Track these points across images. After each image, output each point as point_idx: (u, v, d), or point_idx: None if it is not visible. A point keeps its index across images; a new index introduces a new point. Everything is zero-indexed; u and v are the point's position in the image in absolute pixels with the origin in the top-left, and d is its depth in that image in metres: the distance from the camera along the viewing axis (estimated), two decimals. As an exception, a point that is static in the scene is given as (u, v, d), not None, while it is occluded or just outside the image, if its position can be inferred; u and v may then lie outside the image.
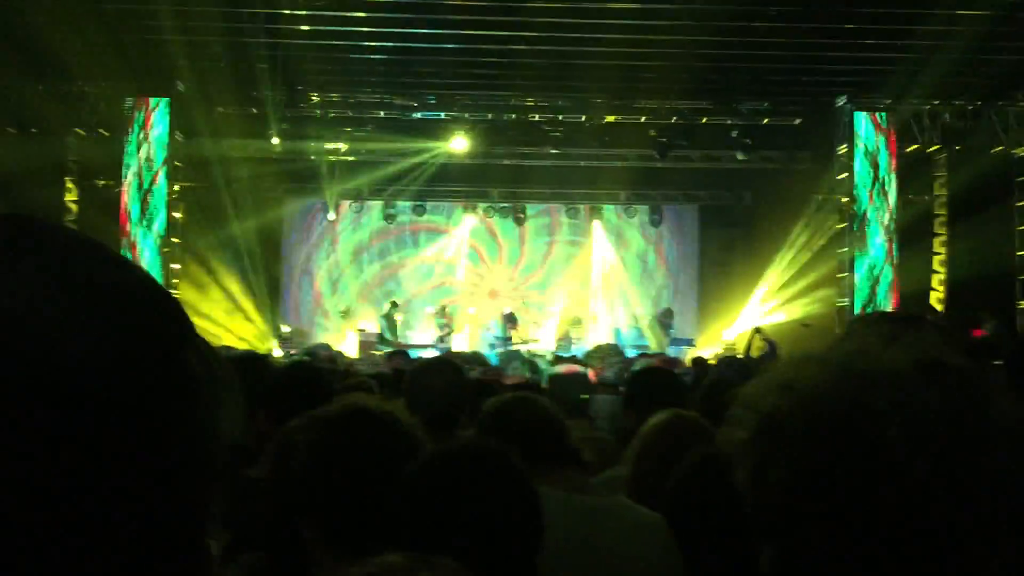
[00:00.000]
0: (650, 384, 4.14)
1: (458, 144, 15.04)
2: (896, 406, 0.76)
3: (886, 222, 14.06)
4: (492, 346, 15.57)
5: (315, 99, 14.53)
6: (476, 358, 8.60)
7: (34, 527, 0.53)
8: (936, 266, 15.45)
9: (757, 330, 13.29)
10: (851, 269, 14.13)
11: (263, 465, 2.50)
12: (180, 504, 0.60)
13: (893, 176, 14.10)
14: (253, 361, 3.93)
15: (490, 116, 14.94)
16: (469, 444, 1.84)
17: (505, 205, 17.65)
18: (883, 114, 14.10)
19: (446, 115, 14.87)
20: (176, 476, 0.59)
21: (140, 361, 0.58)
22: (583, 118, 14.88)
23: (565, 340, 16.52)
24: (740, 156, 15.20)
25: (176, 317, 0.63)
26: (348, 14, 11.58)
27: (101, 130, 13.99)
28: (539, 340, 16.73)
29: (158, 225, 13.81)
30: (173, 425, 0.59)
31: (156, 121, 13.71)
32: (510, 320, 16.52)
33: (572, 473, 2.45)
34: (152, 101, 13.67)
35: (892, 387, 0.77)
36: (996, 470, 0.74)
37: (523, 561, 1.63)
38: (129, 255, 13.61)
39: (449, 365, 4.16)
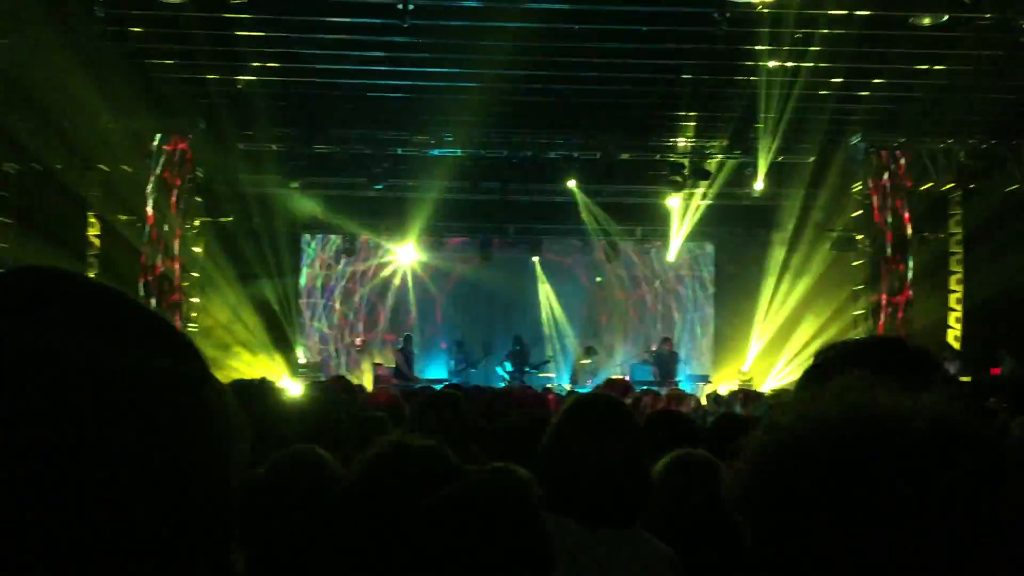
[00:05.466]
0: (663, 422, 4.18)
1: (474, 180, 15.23)
2: (928, 477, 0.76)
3: (901, 260, 14.05)
4: (504, 381, 15.60)
5: (334, 137, 14.73)
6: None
7: (64, 545, 0.58)
8: (952, 304, 15.40)
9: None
10: (867, 306, 14.12)
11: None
12: (203, 527, 0.65)
13: (908, 214, 14.11)
14: (262, 389, 3.88)
15: (506, 153, 15.09)
16: (479, 480, 1.86)
17: (521, 241, 17.74)
18: (897, 152, 14.14)
19: (463, 152, 15.04)
20: (199, 500, 0.65)
21: (162, 399, 0.64)
22: (598, 155, 15.01)
23: (582, 375, 16.53)
24: (755, 192, 15.26)
25: (194, 357, 0.70)
26: (366, 53, 11.78)
27: (124, 166, 14.21)
28: (550, 364, 16.90)
29: (178, 260, 13.99)
30: (195, 457, 0.65)
31: (177, 158, 13.94)
32: (517, 353, 16.55)
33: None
34: (173, 138, 13.90)
35: (920, 452, 0.77)
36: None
37: None
38: (150, 289, 13.78)
39: (450, 399, 4.21)
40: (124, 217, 14.68)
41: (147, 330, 0.68)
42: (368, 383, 15.46)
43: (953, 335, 15.14)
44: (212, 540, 0.66)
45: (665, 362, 16.06)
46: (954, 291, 15.41)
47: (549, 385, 14.02)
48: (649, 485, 2.48)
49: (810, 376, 1.61)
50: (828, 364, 1.59)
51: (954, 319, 15.30)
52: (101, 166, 14.37)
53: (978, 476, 0.76)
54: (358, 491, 1.91)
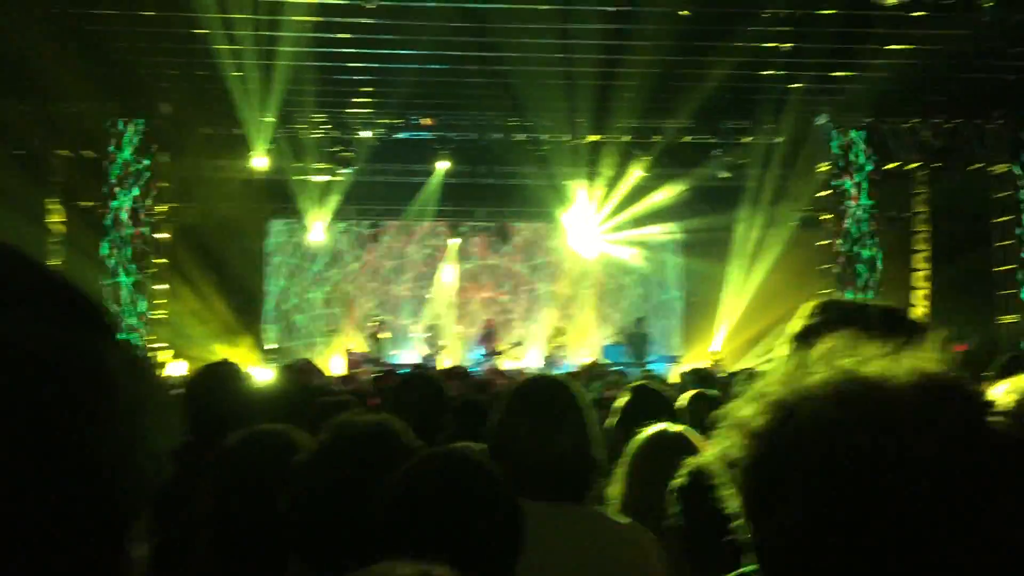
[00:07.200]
0: (640, 400, 4.14)
1: (442, 164, 15.17)
2: (912, 441, 0.73)
3: (868, 238, 14.17)
4: (476, 365, 15.58)
5: (299, 120, 14.57)
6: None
7: None
8: (919, 282, 15.56)
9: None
10: (833, 286, 14.23)
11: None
12: (97, 504, 0.60)
13: (874, 193, 14.23)
14: (226, 373, 3.71)
15: (475, 136, 15.02)
16: (447, 452, 1.83)
17: (490, 224, 17.70)
18: (863, 132, 14.24)
19: (432, 135, 14.94)
20: (93, 473, 0.59)
21: (49, 355, 0.59)
22: (566, 138, 14.97)
23: (552, 357, 16.54)
24: (722, 174, 15.31)
25: (92, 318, 0.64)
26: (333, 35, 11.64)
27: (85, 151, 13.97)
28: (521, 354, 16.85)
29: (143, 245, 13.81)
30: (87, 421, 0.59)
31: (140, 142, 13.73)
32: (488, 337, 16.54)
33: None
34: (136, 122, 13.69)
35: (904, 418, 0.74)
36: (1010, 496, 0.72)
37: (502, 571, 1.63)
38: (115, 277, 13.60)
39: (428, 380, 4.20)
40: (86, 204, 14.45)
41: (33, 294, 0.62)
42: (337, 370, 15.40)
43: (918, 312, 15.30)
44: (95, 523, 0.60)
45: (636, 343, 16.07)
46: (919, 269, 15.57)
47: (521, 368, 14.02)
48: (595, 464, 2.48)
49: (808, 333, 1.61)
50: (825, 324, 1.58)
51: (921, 296, 15.47)
52: (62, 151, 14.12)
53: (962, 440, 0.73)
54: (309, 469, 1.88)
